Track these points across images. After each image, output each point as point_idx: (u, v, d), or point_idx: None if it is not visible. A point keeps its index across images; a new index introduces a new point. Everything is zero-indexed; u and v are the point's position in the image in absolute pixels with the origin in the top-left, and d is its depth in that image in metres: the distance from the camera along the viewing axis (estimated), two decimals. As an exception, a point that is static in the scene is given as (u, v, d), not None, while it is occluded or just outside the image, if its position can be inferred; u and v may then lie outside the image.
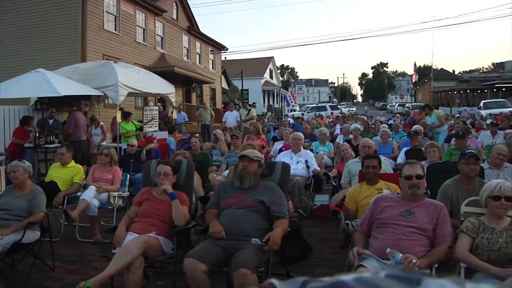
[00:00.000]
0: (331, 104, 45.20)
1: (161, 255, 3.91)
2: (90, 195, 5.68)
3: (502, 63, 64.18)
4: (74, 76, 10.74)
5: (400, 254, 3.10)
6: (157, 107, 15.38)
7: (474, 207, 3.65)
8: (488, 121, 14.02)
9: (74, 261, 5.07)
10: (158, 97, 16.02)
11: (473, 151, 4.58)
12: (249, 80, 36.37)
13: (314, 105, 41.95)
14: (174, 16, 22.41)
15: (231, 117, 16.37)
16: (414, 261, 3.02)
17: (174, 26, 22.22)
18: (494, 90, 43.04)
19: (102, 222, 6.27)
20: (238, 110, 17.58)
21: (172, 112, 15.93)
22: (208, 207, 4.13)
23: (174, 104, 14.24)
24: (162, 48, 20.75)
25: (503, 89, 43.11)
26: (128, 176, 6.62)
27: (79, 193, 5.89)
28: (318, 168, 6.94)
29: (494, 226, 3.25)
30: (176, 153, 6.89)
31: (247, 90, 35.30)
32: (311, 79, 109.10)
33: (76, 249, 5.47)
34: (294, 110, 37.44)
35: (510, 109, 24.32)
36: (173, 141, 10.79)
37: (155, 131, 13.54)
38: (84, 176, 6.41)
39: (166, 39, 21.18)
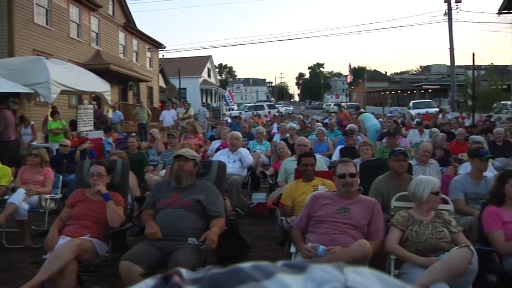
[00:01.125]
0: (268, 103, 45.75)
1: (95, 258, 3.80)
2: (18, 198, 5.39)
3: (428, 66, 67.53)
4: (0, 71, 10.19)
5: (321, 246, 3.24)
6: (92, 106, 14.92)
7: (403, 202, 3.87)
8: (416, 120, 14.75)
9: (1, 269, 4.81)
10: (93, 96, 15.54)
11: (402, 148, 4.83)
12: (187, 79, 36.01)
13: (252, 104, 42.18)
14: (110, 12, 21.78)
15: (168, 116, 16.17)
16: (337, 251, 3.18)
17: (110, 22, 21.58)
18: (422, 91, 45.38)
19: (33, 227, 5.97)
20: (175, 109, 17.38)
21: (107, 111, 15.50)
22: (144, 208, 4.08)
23: (109, 102, 13.88)
24: (97, 45, 20.08)
25: (430, 90, 45.63)
26: (61, 177, 6.37)
27: (6, 196, 5.59)
28: (251, 159, 7.04)
29: (422, 219, 3.47)
30: (111, 153, 6.73)
31: (185, 89, 34.94)
32: (249, 78, 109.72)
33: (3, 256, 5.19)
34: (232, 109, 37.48)
35: (435, 109, 25.69)
36: (109, 141, 10.48)
37: (90, 130, 13.12)
38: (12, 178, 6.09)
39: (102, 35, 20.53)
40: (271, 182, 6.85)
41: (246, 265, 0.43)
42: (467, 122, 18.89)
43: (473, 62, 22.28)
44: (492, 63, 33.85)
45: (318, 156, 5.96)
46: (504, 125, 12.47)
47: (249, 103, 48.13)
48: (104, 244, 3.87)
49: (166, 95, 27.46)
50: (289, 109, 44.60)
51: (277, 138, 10.50)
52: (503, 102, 27.80)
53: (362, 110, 15.16)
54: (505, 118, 18.33)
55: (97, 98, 16.93)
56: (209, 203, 3.82)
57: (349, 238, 3.36)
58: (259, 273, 0.41)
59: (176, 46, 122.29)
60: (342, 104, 41.37)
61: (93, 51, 19.47)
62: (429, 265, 3.07)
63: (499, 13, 21.96)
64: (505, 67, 27.13)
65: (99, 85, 12.79)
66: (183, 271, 0.44)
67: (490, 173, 5.29)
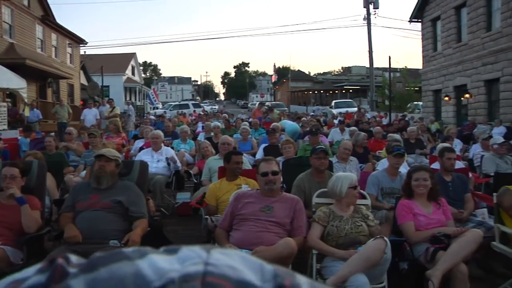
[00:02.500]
0: (194, 102, 45.43)
1: (8, 267, 3.56)
2: None
3: (349, 67, 70.32)
4: None
5: (244, 251, 3.29)
6: (5, 104, 14.00)
7: (324, 198, 4.01)
8: (338, 119, 15.32)
9: None
10: (7, 92, 14.59)
11: (323, 146, 5.01)
12: (110, 77, 34.91)
13: (177, 103, 41.73)
14: (26, 3, 20.42)
15: (90, 115, 15.53)
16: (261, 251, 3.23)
17: (25, 14, 20.23)
18: (343, 91, 47.12)
19: None
20: (98, 108, 16.76)
21: (23, 109, 14.63)
22: (62, 211, 3.90)
23: (26, 100, 13.09)
24: (11, 37, 18.76)
25: (350, 90, 47.49)
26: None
27: None
28: (180, 166, 6.98)
29: (342, 215, 3.62)
30: (26, 154, 6.37)
31: (108, 86, 33.80)
32: (174, 76, 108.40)
33: None
34: (157, 108, 36.81)
35: (356, 108, 26.80)
36: (26, 141, 9.87)
37: (3, 130, 12.33)
38: None
39: (16, 27, 19.20)
40: (196, 181, 6.83)
41: (129, 249, 0.46)
42: (384, 121, 19.89)
43: (389, 64, 23.55)
44: (406, 66, 35.83)
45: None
46: (416, 124, 13.27)
47: (174, 101, 47.56)
48: (18, 251, 3.63)
49: (88, 93, 26.43)
50: (215, 108, 44.56)
51: (201, 137, 10.46)
52: (416, 102, 29.60)
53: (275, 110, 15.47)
54: (418, 118, 19.55)
55: (12, 96, 15.91)
56: (130, 204, 3.73)
57: (272, 236, 3.43)
58: (135, 253, 0.44)
59: (99, 42, 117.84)
60: (267, 103, 41.99)
61: (5, 44, 18.20)
62: (348, 257, 3.22)
63: (410, 21, 23.46)
64: (417, 70, 28.81)
65: (13, 81, 12.07)
66: (72, 257, 0.46)
67: (404, 169, 5.61)
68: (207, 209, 4.55)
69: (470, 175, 6.29)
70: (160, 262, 0.42)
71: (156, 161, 6.74)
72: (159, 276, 0.41)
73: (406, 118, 19.51)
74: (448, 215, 3.98)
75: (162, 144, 7.19)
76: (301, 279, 0.44)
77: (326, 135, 11.31)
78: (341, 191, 3.72)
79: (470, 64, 18.48)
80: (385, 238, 3.19)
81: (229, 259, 0.43)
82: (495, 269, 4.61)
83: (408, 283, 3.66)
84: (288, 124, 12.49)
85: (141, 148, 7.94)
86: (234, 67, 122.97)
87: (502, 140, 7.65)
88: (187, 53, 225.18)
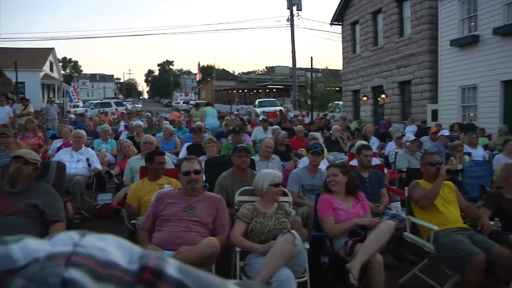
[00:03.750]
0: (116, 100, 43.97)
1: None
2: None
3: (273, 67, 71.48)
4: None
5: (167, 252, 3.25)
6: None
7: (247, 196, 4.06)
8: (261, 118, 15.52)
9: None
10: None
11: (245, 145, 5.06)
12: (26, 72, 32.83)
13: (99, 101, 40.19)
14: None
15: (2, 113, 14.54)
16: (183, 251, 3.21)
17: None
18: (267, 90, 47.83)
19: None
20: (11, 105, 15.71)
21: None
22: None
23: None
24: None
25: (274, 90, 48.30)
26: None
27: None
28: (100, 166, 6.74)
29: (265, 211, 3.68)
30: None
31: (23, 83, 31.85)
32: (96, 74, 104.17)
33: None
34: (77, 106, 35.26)
35: (279, 107, 27.32)
36: None
37: None
38: None
39: None
40: (117, 181, 6.64)
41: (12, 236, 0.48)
42: (307, 120, 20.44)
43: (311, 65, 24.21)
44: (327, 67, 37.09)
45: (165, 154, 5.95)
46: (337, 122, 13.76)
47: (96, 100, 45.75)
48: None
49: (0, 89, 24.76)
50: (138, 107, 43.48)
51: (123, 136, 10.18)
52: (336, 102, 30.70)
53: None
54: (338, 117, 20.31)
55: None
56: (47, 207, 3.52)
57: (195, 235, 3.41)
58: (12, 239, 0.47)
59: (13, 35, 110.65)
60: (191, 102, 41.67)
61: None
62: (268, 250, 3.27)
63: (331, 24, 24.34)
64: (337, 71, 29.93)
65: None
66: None
67: (324, 166, 5.79)
68: (129, 210, 4.43)
69: (386, 171, 6.65)
70: (32, 244, 0.45)
71: (75, 161, 6.47)
72: (25, 256, 0.43)
73: (327, 117, 20.19)
74: (366, 208, 4.18)
75: (83, 144, 6.93)
76: (171, 261, 0.47)
77: (250, 133, 11.42)
78: (262, 188, 3.79)
79: (386, 66, 19.51)
80: (293, 231, 3.26)
81: (101, 242, 0.46)
82: (406, 257, 4.92)
83: (329, 276, 3.79)
84: (211, 116, 12.60)
85: (59, 148, 7.58)
86: (158, 65, 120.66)
87: (413, 138, 8.17)
88: (109, 50, 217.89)
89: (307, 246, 3.56)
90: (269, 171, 3.99)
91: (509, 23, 13.10)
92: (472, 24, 14.84)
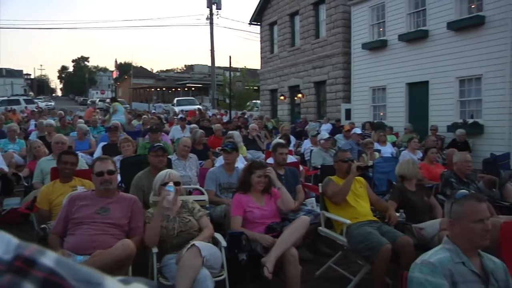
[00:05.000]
0: (26, 97, 41.34)
1: None
2: None
3: (192, 65, 70.86)
4: None
5: (79, 257, 3.14)
6: None
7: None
8: (179, 117, 15.38)
9: None
10: None
11: (161, 144, 5.00)
12: None
13: (6, 98, 37.58)
14: None
15: None
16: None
17: None
18: (186, 89, 47.45)
19: None
20: None
21: None
22: None
23: None
24: None
25: (193, 88, 48.03)
26: None
27: None
28: (6, 168, 6.33)
29: (168, 213, 3.61)
30: None
31: None
32: (2, 68, 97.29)
33: None
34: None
35: (198, 106, 27.19)
36: None
37: None
38: None
39: None
40: (26, 184, 6.24)
41: None
42: (225, 119, 20.53)
43: (230, 64, 24.38)
44: (246, 66, 37.39)
45: (79, 154, 5.72)
46: (254, 121, 13.94)
47: (2, 96, 42.71)
48: None
49: None
50: (50, 105, 41.22)
51: (34, 136, 9.62)
52: (254, 101, 31.11)
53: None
54: (256, 115, 20.59)
55: None
56: None
57: (110, 238, 3.31)
58: None
59: None
60: (107, 100, 40.21)
61: None
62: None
63: (250, 24, 24.62)
64: (256, 70, 30.32)
65: None
66: None
67: (241, 163, 5.87)
68: (39, 214, 4.21)
69: (301, 168, 6.86)
70: None
71: (-23, 163, 6.03)
72: None
73: (246, 116, 20.41)
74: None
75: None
76: (49, 254, 0.49)
77: (168, 133, 11.27)
78: (156, 188, 3.78)
79: (302, 66, 20.09)
80: (197, 243, 3.20)
81: None
82: (321, 251, 5.13)
83: (247, 272, 3.85)
84: (120, 112, 12.33)
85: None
86: (73, 61, 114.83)
87: (327, 136, 8.51)
88: (18, 43, 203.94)
89: (224, 244, 3.59)
90: (164, 171, 3.91)
91: (412, 30, 14.07)
92: (381, 29, 15.70)
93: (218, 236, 3.74)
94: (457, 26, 12.48)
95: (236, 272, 3.69)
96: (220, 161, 6.02)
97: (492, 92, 11.69)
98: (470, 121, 12.21)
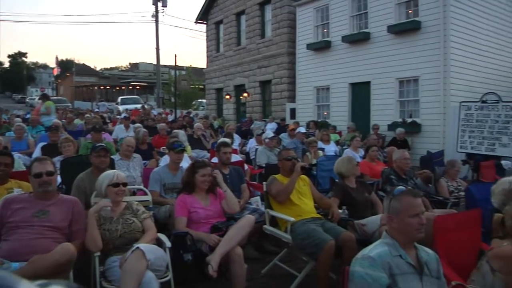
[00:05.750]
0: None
1: None
2: None
3: (137, 64, 69.52)
4: None
5: (15, 264, 2.99)
6: None
7: (105, 198, 3.89)
8: (123, 116, 15.04)
9: None
10: None
11: (103, 144, 4.87)
12: None
13: None
14: None
15: None
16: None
17: None
18: (130, 87, 46.50)
19: None
20: None
21: None
22: None
23: None
24: None
25: (138, 87, 47.12)
26: None
27: None
28: None
29: (112, 216, 3.55)
30: None
31: None
32: None
33: None
34: None
35: (142, 104, 26.72)
36: None
37: None
38: None
39: None
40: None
41: None
42: (170, 118, 20.29)
43: (175, 62, 24.16)
44: (191, 65, 37.12)
45: (16, 155, 5.47)
46: (200, 121, 13.87)
47: None
48: None
49: None
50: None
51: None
52: (200, 100, 30.96)
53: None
54: (202, 115, 20.49)
55: None
56: None
57: (49, 242, 3.18)
58: None
59: None
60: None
61: None
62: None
63: (196, 22, 24.45)
64: (201, 69, 30.17)
65: None
66: None
67: (186, 163, 5.82)
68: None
69: (246, 167, 6.90)
70: None
71: None
72: None
73: (191, 115, 20.27)
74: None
75: None
76: None
77: (111, 132, 11.01)
78: (101, 189, 3.70)
79: (248, 66, 20.17)
80: (141, 246, 3.15)
81: None
82: (267, 249, 5.19)
83: (193, 272, 3.83)
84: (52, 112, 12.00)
85: None
86: (9, 56, 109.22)
87: (272, 135, 8.60)
88: None
89: (169, 245, 3.55)
90: (109, 172, 3.83)
91: (355, 32, 14.49)
92: (325, 30, 16.04)
93: (163, 237, 3.70)
94: (396, 30, 12.99)
95: (182, 273, 3.66)
96: (164, 160, 5.95)
97: (428, 93, 12.28)
98: (409, 120, 12.75)
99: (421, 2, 12.44)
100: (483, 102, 9.14)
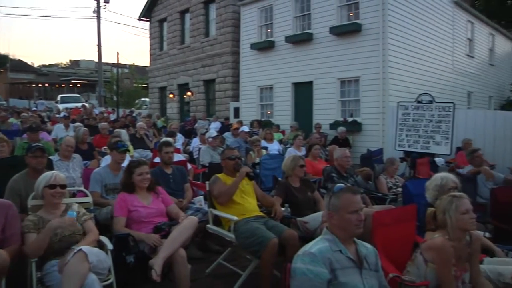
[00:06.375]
0: None
1: None
2: None
3: (78, 61, 67.16)
4: None
5: None
6: None
7: (40, 200, 3.71)
8: (62, 115, 14.53)
9: None
10: None
11: (40, 144, 4.67)
12: None
13: None
14: None
15: None
16: None
17: None
18: (71, 85, 44.88)
19: None
20: None
21: None
22: None
23: None
24: None
25: (78, 85, 45.57)
26: None
27: None
28: None
29: (50, 218, 3.40)
30: None
31: None
32: None
33: None
34: None
35: (83, 103, 25.88)
36: None
37: None
38: None
39: None
40: None
41: None
42: (112, 117, 19.80)
43: (118, 60, 23.55)
44: (134, 63, 36.43)
45: None
46: (143, 120, 13.64)
47: None
48: None
49: None
50: None
51: None
52: (143, 99, 30.43)
53: None
54: (145, 114, 20.13)
55: None
56: None
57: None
58: None
59: None
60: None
61: None
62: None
63: (140, 19, 23.96)
64: (145, 67, 29.62)
65: None
66: None
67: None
68: None
69: (190, 166, 6.85)
70: None
71: None
72: None
73: (134, 114, 19.88)
74: (168, 201, 4.26)
75: None
76: None
77: (50, 132, 10.61)
78: (38, 191, 3.57)
79: (192, 65, 20.02)
80: (83, 248, 3.05)
81: None
82: (211, 248, 5.18)
83: (135, 275, 3.73)
84: None
85: None
86: None
87: (215, 134, 8.59)
88: None
89: (111, 247, 3.46)
90: (47, 173, 3.68)
91: (298, 33, 14.75)
92: (268, 30, 16.20)
93: (104, 239, 3.60)
94: (338, 31, 13.35)
95: (124, 275, 3.57)
96: (106, 160, 5.80)
97: (368, 93, 12.71)
98: (350, 119, 13.11)
99: (362, 6, 12.87)
100: (419, 102, 9.54)
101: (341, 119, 13.32)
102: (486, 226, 4.80)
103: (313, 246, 2.47)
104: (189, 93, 19.92)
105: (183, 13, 21.06)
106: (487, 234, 4.40)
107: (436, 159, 9.27)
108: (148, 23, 23.84)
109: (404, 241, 3.51)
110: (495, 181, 6.35)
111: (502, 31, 21.23)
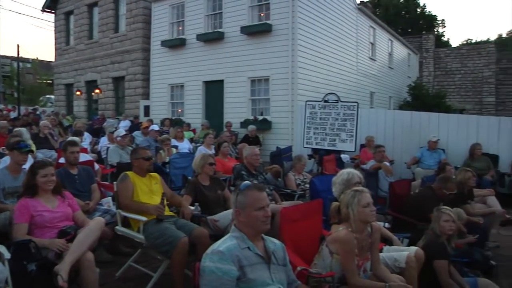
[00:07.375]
0: None
1: None
2: None
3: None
4: None
5: None
6: None
7: None
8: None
9: None
10: None
11: None
12: None
13: None
14: None
15: None
16: None
17: None
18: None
19: None
20: None
21: None
22: None
23: None
24: None
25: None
26: None
27: None
28: None
29: None
30: None
31: None
32: None
33: None
34: None
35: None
36: None
37: None
38: None
39: None
40: None
41: None
42: (13, 115, 18.62)
43: (18, 54, 22.12)
44: (37, 58, 34.38)
45: None
46: (47, 118, 12.97)
47: None
48: None
49: None
50: None
51: None
52: (48, 96, 28.82)
53: None
54: (50, 111, 19.10)
55: None
56: None
57: None
58: None
59: None
60: None
61: None
62: None
63: (43, 10, 22.57)
64: (50, 62, 28.04)
65: None
66: None
67: (30, 164, 5.37)
68: None
69: (97, 166, 6.62)
70: None
71: None
72: None
73: (37, 112, 18.78)
74: (75, 206, 4.06)
75: None
76: None
77: None
78: None
79: (101, 61, 19.28)
80: None
81: None
82: (121, 250, 5.05)
83: (38, 284, 3.53)
84: None
85: None
86: None
87: (124, 132, 8.37)
88: None
89: (8, 256, 3.24)
90: None
91: (209, 31, 14.77)
92: (180, 28, 16.03)
93: (1, 247, 3.35)
94: (249, 31, 13.55)
95: (26, 285, 3.36)
96: (4, 162, 5.42)
97: (277, 92, 13.06)
98: (260, 118, 13.37)
99: (272, 7, 13.18)
100: (325, 101, 9.98)
101: (252, 117, 13.53)
102: (386, 217, 5.19)
103: (222, 244, 2.50)
104: (97, 91, 19.15)
105: (91, 6, 20.15)
106: (386, 225, 4.74)
107: (342, 155, 9.75)
108: (53, 15, 22.52)
109: (311, 235, 3.66)
110: (394, 176, 6.87)
111: (399, 38, 22.84)
